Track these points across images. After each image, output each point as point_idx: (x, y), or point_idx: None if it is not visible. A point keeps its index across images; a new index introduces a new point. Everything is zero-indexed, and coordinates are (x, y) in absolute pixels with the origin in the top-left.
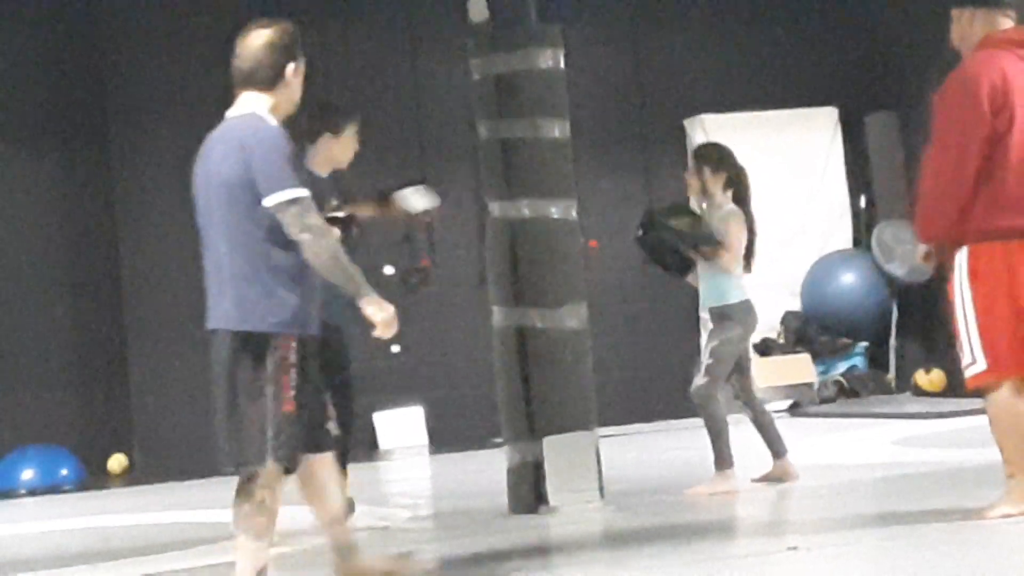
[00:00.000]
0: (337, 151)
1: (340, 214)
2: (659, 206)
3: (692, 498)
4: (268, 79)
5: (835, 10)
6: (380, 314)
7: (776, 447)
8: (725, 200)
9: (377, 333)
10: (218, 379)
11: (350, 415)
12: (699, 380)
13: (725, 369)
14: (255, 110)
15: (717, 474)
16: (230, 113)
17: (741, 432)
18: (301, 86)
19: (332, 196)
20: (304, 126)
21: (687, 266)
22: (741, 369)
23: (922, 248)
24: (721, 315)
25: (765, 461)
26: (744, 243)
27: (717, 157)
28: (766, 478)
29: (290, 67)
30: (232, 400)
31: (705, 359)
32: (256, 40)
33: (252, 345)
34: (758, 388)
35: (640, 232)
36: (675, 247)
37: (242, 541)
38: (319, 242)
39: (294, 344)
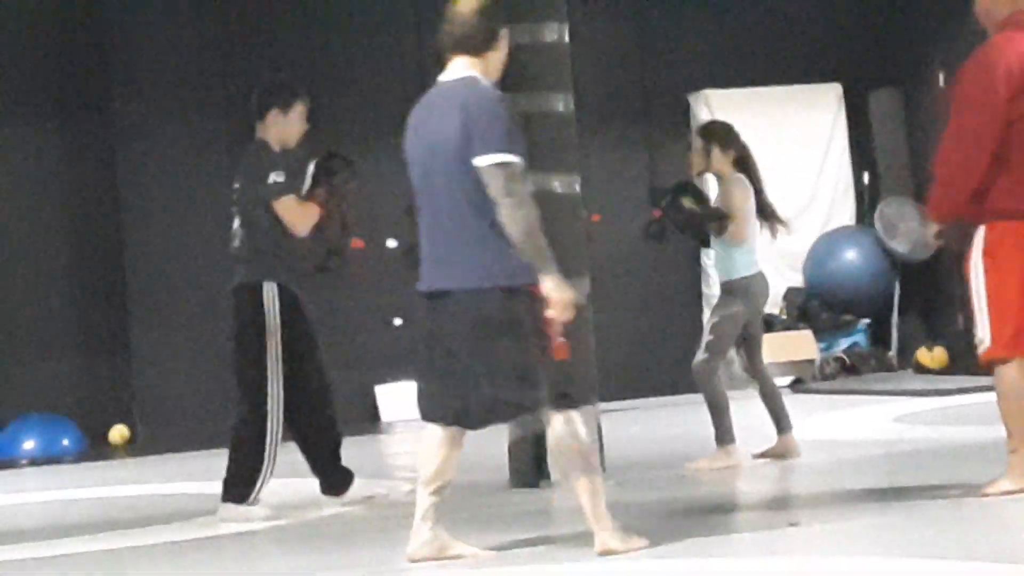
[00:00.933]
0: (285, 129)
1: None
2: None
3: (693, 473)
4: (480, 44)
5: None
6: (558, 294)
7: (782, 423)
8: (732, 176)
9: (552, 313)
10: (456, 340)
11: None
12: (700, 356)
13: (726, 345)
14: (472, 73)
15: (719, 449)
16: (444, 78)
17: (742, 408)
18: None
19: (282, 171)
20: (254, 102)
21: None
22: (751, 344)
23: (933, 227)
24: (726, 290)
25: (767, 437)
26: (750, 207)
27: (725, 135)
28: (768, 454)
29: (502, 32)
30: (506, 355)
31: (706, 335)
32: (467, 6)
33: (509, 300)
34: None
35: (663, 211)
36: (688, 226)
37: (579, 483)
38: (519, 210)
39: (537, 294)
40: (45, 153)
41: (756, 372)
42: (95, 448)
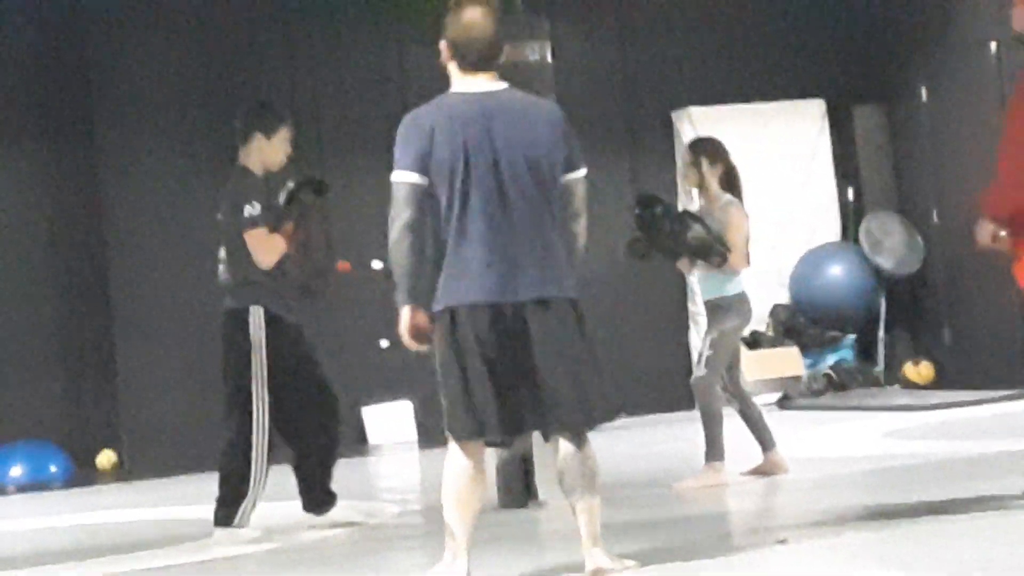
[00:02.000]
0: (268, 153)
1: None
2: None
3: (681, 492)
4: (498, 60)
5: (823, 2)
6: None
7: (765, 440)
8: (721, 193)
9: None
10: (548, 347)
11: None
12: (699, 371)
13: (724, 360)
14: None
15: (706, 466)
16: (479, 88)
17: (729, 425)
18: None
19: (262, 196)
20: (238, 125)
21: (678, 254)
22: (730, 362)
23: (989, 228)
24: (717, 307)
25: (754, 455)
26: (747, 232)
27: (713, 150)
28: (756, 471)
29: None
30: (578, 364)
31: (705, 350)
32: (489, 23)
33: (577, 312)
34: (746, 381)
35: (648, 210)
36: (687, 246)
37: (584, 501)
38: (584, 222)
39: None
40: (30, 178)
41: (736, 390)
42: (83, 474)
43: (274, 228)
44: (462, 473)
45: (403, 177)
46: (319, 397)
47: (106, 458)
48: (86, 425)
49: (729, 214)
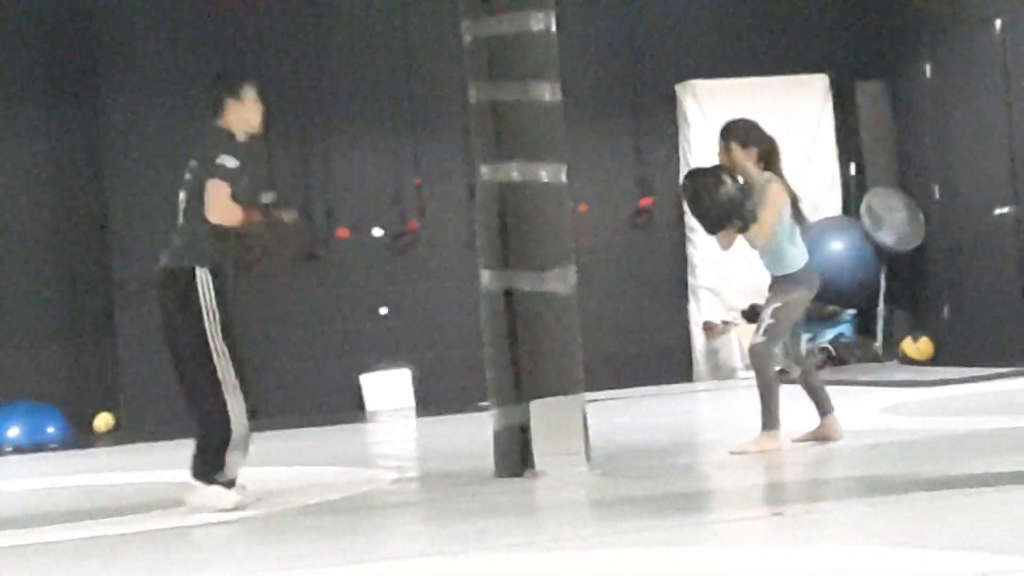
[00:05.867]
0: (244, 112)
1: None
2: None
3: (738, 455)
4: None
5: None
6: None
7: (823, 406)
8: (759, 173)
9: None
10: None
11: None
12: (757, 338)
13: (786, 329)
14: None
15: (763, 433)
16: None
17: (733, 397)
18: None
19: (243, 157)
20: (209, 99)
21: (720, 227)
22: (794, 331)
23: None
24: (784, 279)
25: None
26: (783, 206)
27: (743, 133)
28: (811, 437)
29: None
30: None
31: (766, 318)
32: None
33: None
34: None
35: (699, 181)
36: (718, 204)
37: None
38: None
39: None
40: (32, 142)
41: (798, 358)
42: (80, 436)
43: (237, 197)
44: None
45: None
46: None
47: (103, 421)
48: (84, 387)
49: (767, 192)
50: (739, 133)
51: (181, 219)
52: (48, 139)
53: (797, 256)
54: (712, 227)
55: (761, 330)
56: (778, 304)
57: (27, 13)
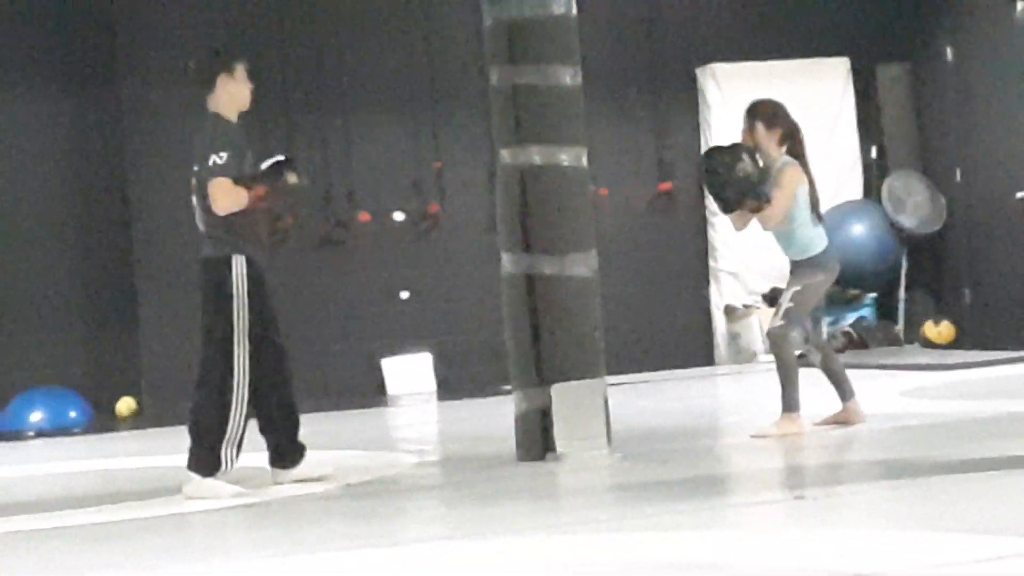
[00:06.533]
0: (235, 89)
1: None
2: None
3: (759, 439)
4: None
5: None
6: None
7: (844, 391)
8: (779, 155)
9: None
10: None
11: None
12: (776, 322)
13: (805, 313)
14: None
15: (784, 416)
16: None
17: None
18: None
19: (233, 144)
20: (200, 76)
21: (734, 206)
22: (813, 315)
23: None
24: (805, 263)
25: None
26: (800, 191)
27: (771, 113)
28: (832, 420)
29: None
30: None
31: (785, 302)
32: None
33: None
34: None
35: (716, 158)
36: (734, 179)
37: None
38: None
39: None
40: (53, 127)
41: (818, 343)
42: (102, 420)
43: (239, 181)
44: None
45: None
46: (281, 348)
47: (125, 405)
48: (106, 372)
49: (782, 175)
50: (766, 113)
51: (200, 215)
52: (69, 125)
53: (815, 240)
54: (726, 206)
55: (780, 314)
56: (797, 288)
57: (47, 3)
